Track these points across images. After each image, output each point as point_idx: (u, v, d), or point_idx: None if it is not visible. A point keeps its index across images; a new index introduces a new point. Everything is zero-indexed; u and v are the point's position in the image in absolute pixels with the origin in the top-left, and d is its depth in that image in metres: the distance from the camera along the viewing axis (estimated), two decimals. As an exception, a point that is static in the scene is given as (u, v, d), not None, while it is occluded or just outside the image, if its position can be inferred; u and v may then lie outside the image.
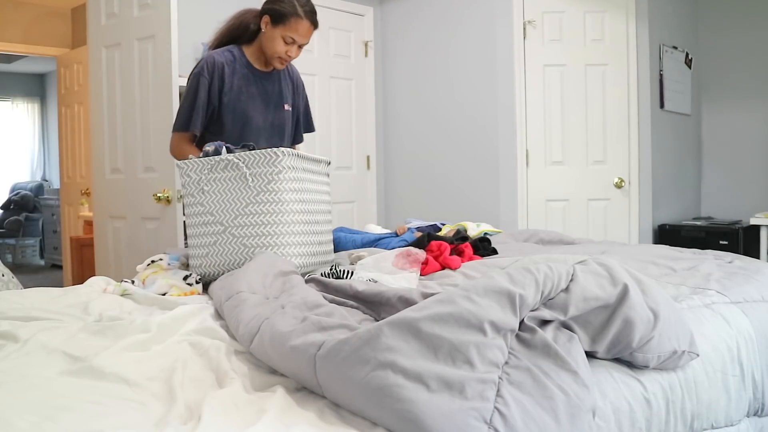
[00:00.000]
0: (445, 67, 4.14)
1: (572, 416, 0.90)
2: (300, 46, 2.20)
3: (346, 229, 2.39)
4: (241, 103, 2.21)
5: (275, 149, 1.74)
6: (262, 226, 1.73)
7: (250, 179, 1.74)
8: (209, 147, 1.84)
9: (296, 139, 2.50)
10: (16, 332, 1.27)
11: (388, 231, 2.51)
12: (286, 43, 2.15)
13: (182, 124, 2.20)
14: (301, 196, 1.79)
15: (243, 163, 1.74)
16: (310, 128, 2.54)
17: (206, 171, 1.79)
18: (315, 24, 2.19)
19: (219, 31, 2.31)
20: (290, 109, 2.38)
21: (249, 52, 2.26)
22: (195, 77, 2.19)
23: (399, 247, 2.07)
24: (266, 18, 2.16)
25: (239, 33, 2.26)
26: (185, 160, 1.83)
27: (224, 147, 1.82)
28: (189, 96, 2.19)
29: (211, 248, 1.78)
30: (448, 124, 4.14)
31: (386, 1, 4.48)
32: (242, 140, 2.15)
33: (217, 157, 1.78)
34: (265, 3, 2.18)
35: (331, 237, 1.99)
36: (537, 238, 2.40)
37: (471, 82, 3.99)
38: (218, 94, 2.19)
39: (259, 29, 2.21)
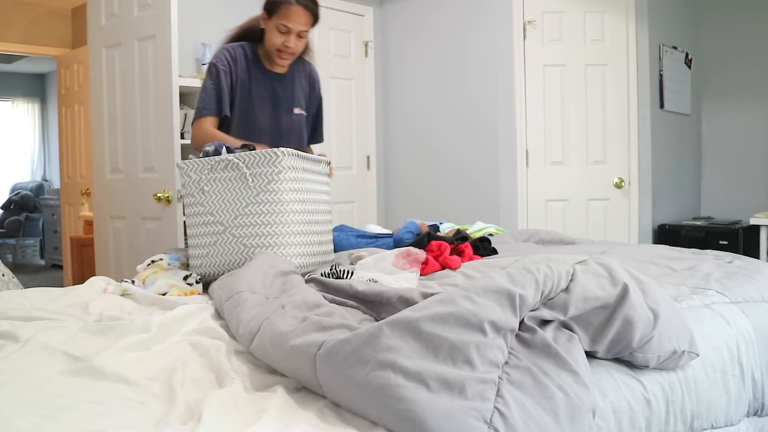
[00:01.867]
0: (445, 67, 4.14)
1: (572, 416, 0.91)
2: (300, 36, 2.13)
3: (347, 227, 2.39)
4: (248, 102, 2.17)
5: (275, 149, 1.74)
6: (262, 226, 1.73)
7: (250, 179, 1.74)
8: (209, 147, 1.84)
9: (313, 139, 2.45)
10: (17, 332, 1.27)
11: (388, 231, 2.51)
12: (281, 32, 2.09)
13: (211, 108, 2.11)
14: (301, 196, 1.78)
15: (243, 163, 1.74)
16: (318, 137, 2.47)
17: (206, 171, 1.79)
18: (309, 10, 2.10)
19: (232, 30, 2.27)
20: (303, 112, 2.32)
21: (262, 52, 2.21)
22: (213, 66, 2.14)
23: (405, 237, 2.08)
24: (263, 14, 2.13)
25: (251, 33, 2.22)
26: (185, 161, 1.83)
27: (224, 147, 1.82)
28: (210, 82, 2.12)
29: (212, 248, 1.78)
30: (448, 124, 4.14)
31: (386, 1, 4.48)
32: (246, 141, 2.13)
33: (217, 157, 1.78)
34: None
35: (331, 237, 1.99)
36: (537, 238, 2.40)
37: (471, 81, 3.99)
38: (233, 86, 2.15)
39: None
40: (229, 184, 1.76)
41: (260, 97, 2.19)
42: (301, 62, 2.30)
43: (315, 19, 2.14)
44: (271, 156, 1.73)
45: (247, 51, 2.18)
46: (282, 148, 1.75)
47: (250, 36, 2.23)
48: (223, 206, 1.77)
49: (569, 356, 0.98)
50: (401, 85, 4.42)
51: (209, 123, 2.13)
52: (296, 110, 2.29)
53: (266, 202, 1.72)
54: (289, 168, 1.74)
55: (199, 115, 2.14)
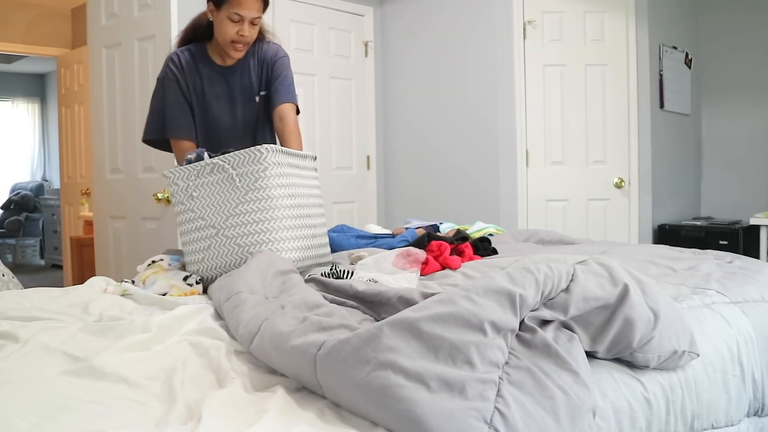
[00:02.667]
0: (445, 67, 4.14)
1: (573, 416, 0.90)
2: (252, 23, 2.05)
3: (347, 228, 2.38)
4: (204, 104, 2.14)
5: (259, 147, 1.74)
6: (253, 224, 1.73)
7: (237, 180, 1.73)
8: (191, 155, 1.83)
9: (276, 101, 2.17)
10: (17, 332, 1.26)
11: (388, 231, 2.50)
12: (233, 22, 2.00)
13: (151, 131, 2.18)
14: (290, 191, 1.78)
15: (228, 164, 1.74)
16: (286, 97, 2.18)
17: (193, 177, 1.78)
18: None
19: (178, 36, 2.24)
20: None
21: (211, 49, 2.15)
22: (159, 82, 2.12)
23: (400, 246, 2.07)
24: (210, 6, 2.06)
25: (196, 32, 2.17)
26: (172, 169, 1.82)
27: (205, 152, 1.82)
28: (156, 100, 2.14)
29: (206, 252, 1.78)
30: (448, 124, 4.14)
31: (386, 1, 4.48)
32: (210, 143, 2.09)
33: (202, 162, 1.77)
34: None
35: (325, 230, 1.98)
36: (537, 238, 2.40)
37: (471, 82, 3.99)
38: (186, 95, 2.13)
39: (212, 23, 2.09)
40: (217, 187, 1.76)
41: (216, 96, 2.15)
42: (250, 48, 2.18)
43: (265, 3, 2.08)
44: (255, 154, 1.73)
45: (194, 51, 2.14)
46: (265, 145, 1.74)
47: (197, 35, 2.17)
48: (213, 209, 1.76)
49: (569, 356, 0.98)
50: (401, 85, 4.42)
51: (177, 141, 2.16)
52: (258, 99, 2.21)
53: (255, 199, 1.72)
54: (275, 164, 1.74)
55: (154, 136, 2.21)
